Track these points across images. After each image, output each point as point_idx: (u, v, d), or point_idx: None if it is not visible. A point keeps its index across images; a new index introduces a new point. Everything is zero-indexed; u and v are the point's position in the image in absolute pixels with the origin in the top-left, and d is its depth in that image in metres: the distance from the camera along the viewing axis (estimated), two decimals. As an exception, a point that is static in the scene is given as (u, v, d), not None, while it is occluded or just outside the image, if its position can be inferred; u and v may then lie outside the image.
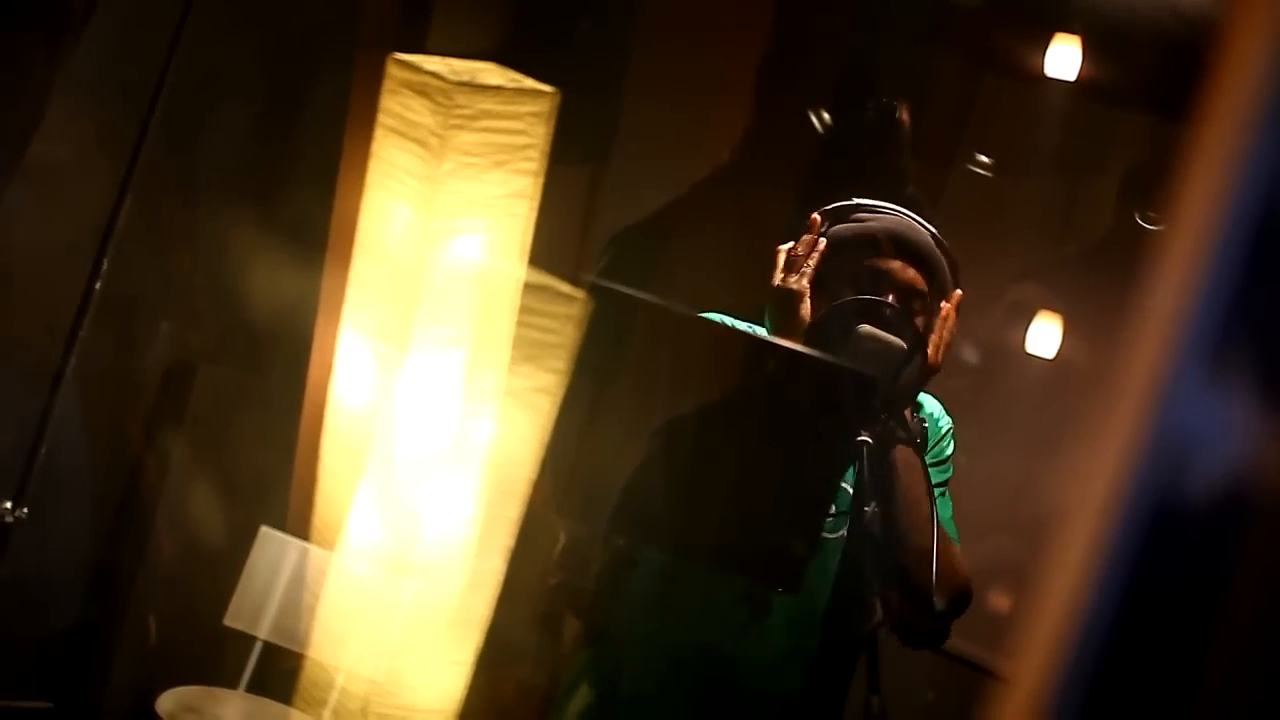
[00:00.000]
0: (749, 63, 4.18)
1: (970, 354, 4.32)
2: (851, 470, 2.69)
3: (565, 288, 4.01)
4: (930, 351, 2.79)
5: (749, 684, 2.91)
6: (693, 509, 2.75)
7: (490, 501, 4.02)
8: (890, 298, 2.79)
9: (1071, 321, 4.46)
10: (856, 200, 2.89)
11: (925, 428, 2.83)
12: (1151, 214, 4.08)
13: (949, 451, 2.92)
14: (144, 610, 4.09)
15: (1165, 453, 0.93)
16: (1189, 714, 0.95)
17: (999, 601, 4.43)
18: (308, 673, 3.99)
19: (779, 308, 2.83)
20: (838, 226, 2.87)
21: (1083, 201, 4.47)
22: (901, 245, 2.82)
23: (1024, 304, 4.48)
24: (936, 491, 2.82)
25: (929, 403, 2.90)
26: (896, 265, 2.83)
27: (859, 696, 2.63)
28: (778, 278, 2.84)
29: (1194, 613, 0.93)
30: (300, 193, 3.95)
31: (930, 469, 2.79)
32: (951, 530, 2.87)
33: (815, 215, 2.88)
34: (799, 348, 2.67)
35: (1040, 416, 4.49)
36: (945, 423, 2.94)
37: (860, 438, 2.60)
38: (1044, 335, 4.47)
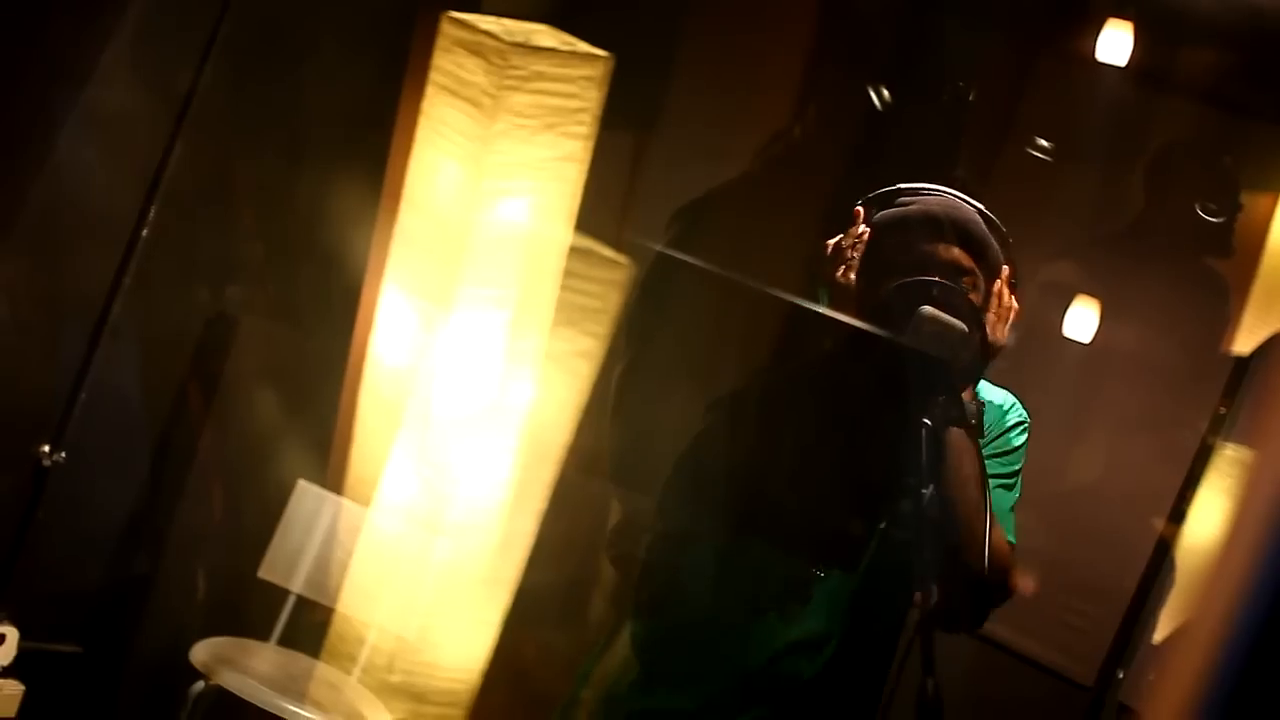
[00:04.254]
0: (801, 36, 4.16)
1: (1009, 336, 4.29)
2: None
3: (609, 253, 3.99)
4: (987, 330, 2.77)
5: (785, 663, 2.90)
6: (750, 485, 2.73)
7: (525, 464, 4.01)
8: (938, 278, 2.76)
9: (1110, 307, 4.43)
10: (899, 185, 2.86)
11: (981, 409, 2.79)
12: (1212, 206, 4.04)
13: (1017, 443, 2.89)
14: (179, 560, 4.09)
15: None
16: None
17: (1024, 583, 4.42)
18: (337, 627, 3.99)
19: (832, 302, 2.82)
20: (882, 213, 2.84)
21: (1128, 188, 4.44)
22: (946, 225, 2.80)
23: (1061, 286, 4.45)
24: (1004, 483, 2.80)
25: (1001, 395, 2.87)
26: (941, 246, 2.80)
27: (906, 679, 2.62)
28: (827, 272, 2.82)
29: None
30: (356, 149, 3.94)
31: (995, 458, 2.76)
32: (1008, 522, 2.85)
33: (858, 206, 2.85)
34: (868, 327, 2.65)
35: (1075, 400, 4.47)
36: (1016, 414, 2.91)
37: (921, 420, 2.58)
38: (1082, 319, 4.45)
